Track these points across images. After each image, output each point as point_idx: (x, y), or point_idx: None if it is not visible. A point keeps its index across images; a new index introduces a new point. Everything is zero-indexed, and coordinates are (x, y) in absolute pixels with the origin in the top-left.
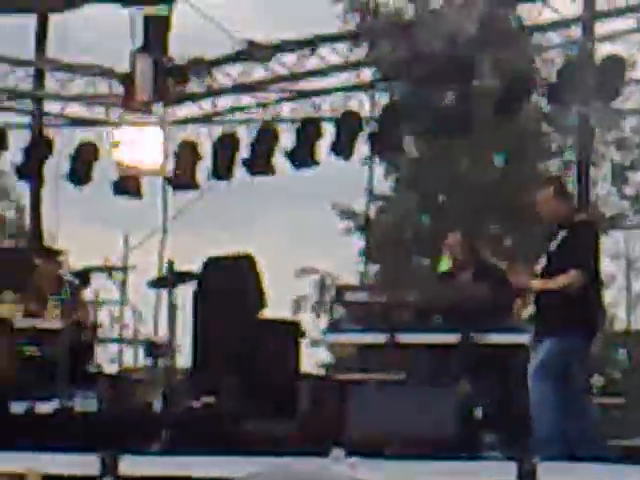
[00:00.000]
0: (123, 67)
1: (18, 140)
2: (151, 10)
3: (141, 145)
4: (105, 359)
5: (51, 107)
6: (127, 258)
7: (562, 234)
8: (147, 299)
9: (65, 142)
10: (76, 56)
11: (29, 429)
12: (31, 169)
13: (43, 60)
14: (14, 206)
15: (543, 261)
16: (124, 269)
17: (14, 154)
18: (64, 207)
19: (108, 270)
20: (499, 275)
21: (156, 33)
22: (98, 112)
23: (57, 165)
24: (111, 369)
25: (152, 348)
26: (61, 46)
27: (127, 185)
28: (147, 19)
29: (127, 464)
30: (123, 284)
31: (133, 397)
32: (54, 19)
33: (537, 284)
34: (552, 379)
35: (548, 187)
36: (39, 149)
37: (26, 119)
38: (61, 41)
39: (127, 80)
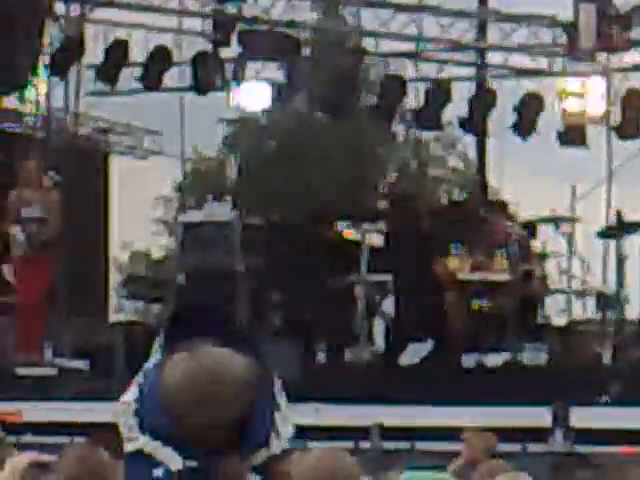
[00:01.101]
0: (566, 15)
1: (462, 92)
2: None
3: (586, 94)
4: (554, 311)
5: (494, 58)
6: (574, 209)
7: None
8: (595, 250)
9: (509, 93)
10: (519, 6)
11: (479, 382)
12: (475, 121)
13: (486, 11)
14: (462, 158)
15: None
16: (571, 220)
17: (458, 106)
18: (509, 159)
19: (555, 221)
20: None
21: None
22: (541, 62)
23: (501, 117)
24: (560, 321)
25: (601, 299)
26: None
27: (572, 135)
28: None
29: (578, 416)
30: (570, 235)
31: (582, 349)
32: None
33: None
34: None
35: None
36: (483, 101)
37: (469, 71)
38: None
39: (571, 29)
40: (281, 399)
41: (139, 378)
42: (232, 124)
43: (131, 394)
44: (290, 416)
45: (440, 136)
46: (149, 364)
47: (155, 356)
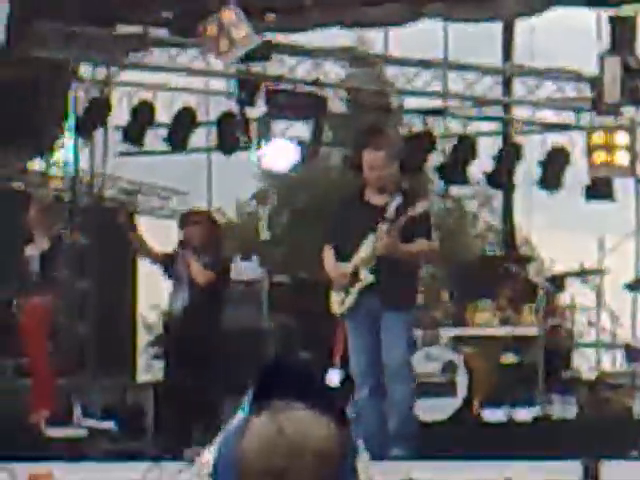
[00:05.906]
0: (591, 70)
1: (488, 147)
2: (618, 11)
3: (612, 148)
4: (583, 364)
5: (520, 113)
6: (602, 262)
7: (397, 200)
8: (624, 302)
9: (535, 147)
10: (543, 60)
11: (508, 436)
12: (502, 176)
13: (511, 66)
14: (499, 215)
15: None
16: (599, 272)
17: (484, 162)
18: (536, 213)
19: (583, 274)
20: None
21: (623, 34)
22: (568, 116)
23: (528, 171)
24: (589, 374)
25: (630, 352)
26: (528, 51)
27: (599, 189)
28: (614, 20)
29: (609, 470)
30: (599, 288)
31: (612, 402)
32: (520, 25)
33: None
34: None
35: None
36: (509, 156)
37: (496, 126)
38: (528, 46)
39: (596, 83)
40: (362, 471)
41: (221, 437)
42: (263, 180)
43: (210, 454)
44: None
45: (476, 193)
46: (234, 422)
47: (240, 414)
